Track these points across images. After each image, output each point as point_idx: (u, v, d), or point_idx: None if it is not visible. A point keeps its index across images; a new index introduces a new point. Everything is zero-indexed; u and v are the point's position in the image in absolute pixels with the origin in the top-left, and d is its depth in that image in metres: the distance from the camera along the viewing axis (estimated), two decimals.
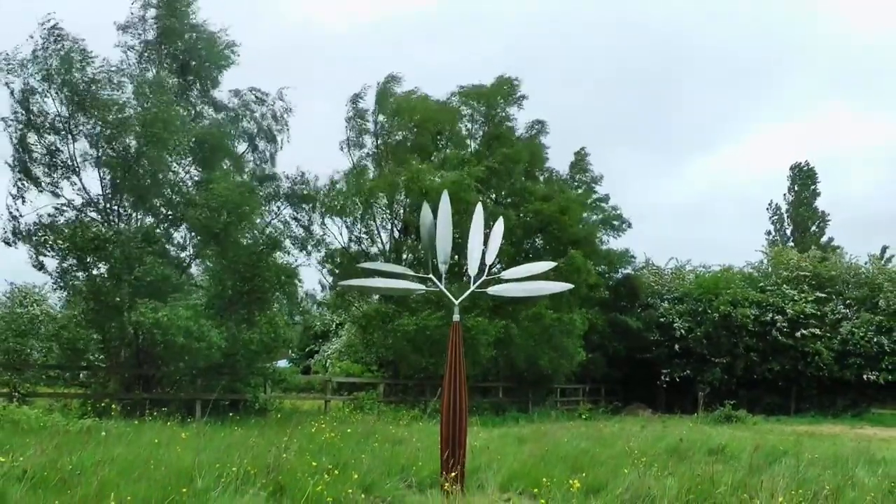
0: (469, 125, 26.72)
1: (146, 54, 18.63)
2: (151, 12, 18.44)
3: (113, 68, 17.31)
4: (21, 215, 17.00)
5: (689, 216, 72.24)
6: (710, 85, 77.69)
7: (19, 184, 17.10)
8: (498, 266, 21.47)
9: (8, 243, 16.95)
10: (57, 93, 16.65)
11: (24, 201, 17.04)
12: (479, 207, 9.21)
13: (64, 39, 16.44)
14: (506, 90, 26.21)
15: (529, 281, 8.96)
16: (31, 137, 16.97)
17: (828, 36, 75.11)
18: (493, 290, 8.79)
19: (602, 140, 71.76)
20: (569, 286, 9.37)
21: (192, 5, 18.75)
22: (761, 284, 32.44)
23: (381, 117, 24.69)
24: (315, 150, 42.21)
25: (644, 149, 76.92)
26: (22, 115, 16.71)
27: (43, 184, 17.17)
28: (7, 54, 16.30)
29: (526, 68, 66.33)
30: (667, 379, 31.70)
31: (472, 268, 8.71)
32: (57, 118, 16.85)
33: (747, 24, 74.78)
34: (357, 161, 24.81)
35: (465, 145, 26.16)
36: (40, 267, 17.07)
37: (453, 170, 22.79)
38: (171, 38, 18.59)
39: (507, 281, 8.86)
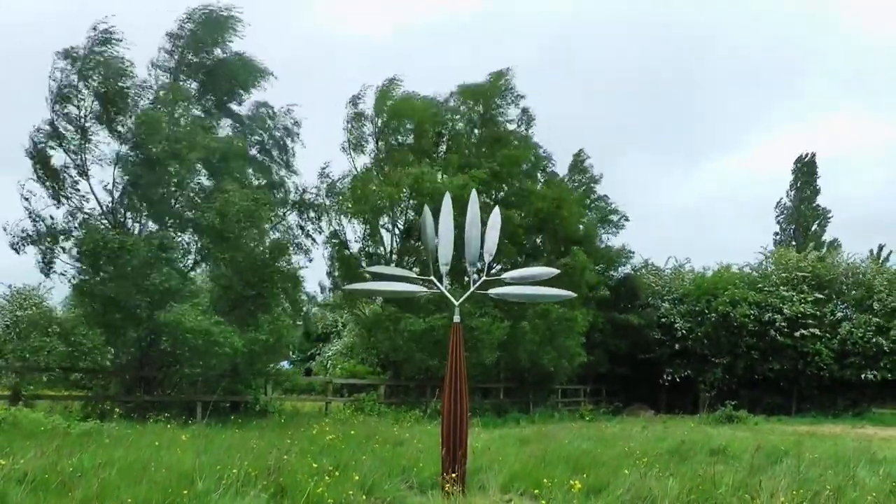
0: (467, 127, 26.63)
1: (177, 65, 18.71)
2: (189, 26, 18.49)
3: (145, 80, 17.71)
4: (41, 218, 17.06)
5: (692, 217, 72.10)
6: (714, 86, 77.62)
7: (36, 184, 17.15)
8: (498, 267, 21.49)
9: (17, 250, 16.92)
10: (91, 96, 16.85)
11: (31, 202, 17.11)
12: (473, 196, 9.00)
13: (111, 46, 16.72)
14: (501, 85, 26.09)
15: (532, 286, 8.94)
16: (59, 136, 17.14)
17: (829, 36, 75.18)
18: (494, 292, 8.77)
19: (605, 142, 71.56)
20: (571, 294, 9.31)
21: (230, 30, 18.79)
22: (759, 285, 32.38)
23: (379, 120, 24.67)
24: (331, 153, 42.70)
25: (647, 151, 76.80)
26: (57, 109, 16.89)
27: (58, 187, 17.24)
28: (65, 50, 16.52)
29: (530, 70, 66.14)
30: (669, 377, 31.70)
31: (472, 268, 8.67)
32: (84, 119, 17.04)
33: (748, 23, 74.83)
34: (359, 164, 24.87)
35: (463, 147, 26.13)
36: (48, 271, 17.08)
37: (456, 174, 22.79)
38: (203, 54, 18.75)
39: (509, 283, 8.84)
